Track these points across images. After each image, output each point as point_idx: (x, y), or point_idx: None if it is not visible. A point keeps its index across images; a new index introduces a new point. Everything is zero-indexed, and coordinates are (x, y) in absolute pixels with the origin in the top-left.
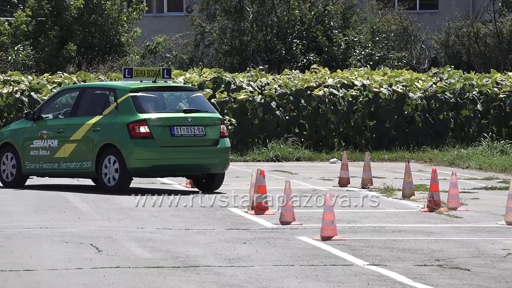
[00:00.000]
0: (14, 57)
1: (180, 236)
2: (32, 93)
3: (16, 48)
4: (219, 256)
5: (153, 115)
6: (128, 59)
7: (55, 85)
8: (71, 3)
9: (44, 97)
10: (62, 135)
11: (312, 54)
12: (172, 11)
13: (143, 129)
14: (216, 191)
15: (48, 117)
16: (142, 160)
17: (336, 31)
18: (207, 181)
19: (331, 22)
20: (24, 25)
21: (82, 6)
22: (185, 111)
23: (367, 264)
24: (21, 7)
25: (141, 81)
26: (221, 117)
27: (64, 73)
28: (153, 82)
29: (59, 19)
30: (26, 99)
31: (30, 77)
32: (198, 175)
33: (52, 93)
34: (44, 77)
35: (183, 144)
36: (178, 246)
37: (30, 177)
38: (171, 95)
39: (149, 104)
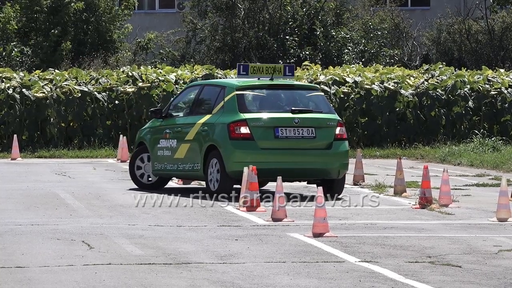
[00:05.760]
0: (8, 53)
1: (172, 233)
2: (23, 90)
3: (11, 45)
4: (211, 253)
5: (255, 115)
6: (119, 55)
7: (47, 82)
8: (71, 3)
9: (35, 94)
10: (179, 135)
11: (307, 49)
12: (163, 8)
13: (244, 130)
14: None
15: (174, 115)
16: (241, 163)
17: (329, 28)
18: (325, 186)
19: (326, 18)
20: (14, 22)
21: (82, 8)
22: (293, 111)
23: (359, 261)
24: (10, 2)
25: (258, 78)
26: (338, 118)
27: (56, 70)
28: (270, 79)
29: (57, 17)
30: (17, 96)
31: (21, 74)
32: (310, 180)
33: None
34: (36, 74)
35: (288, 147)
36: (170, 243)
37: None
38: (283, 94)
39: (255, 103)
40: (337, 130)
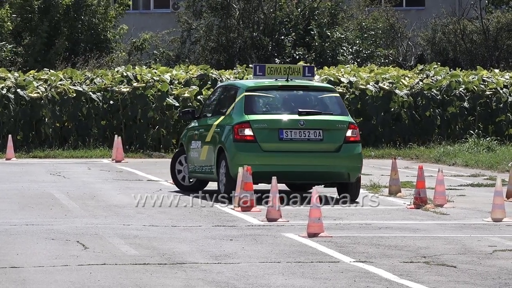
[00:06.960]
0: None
1: (167, 233)
2: (18, 90)
3: (1, 45)
4: (206, 253)
5: (259, 117)
6: (114, 56)
7: (41, 82)
8: (60, 1)
9: (30, 94)
10: (202, 136)
11: (300, 50)
12: (158, 8)
13: (247, 132)
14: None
15: (208, 115)
16: (243, 166)
17: (324, 28)
18: (340, 190)
19: (321, 18)
20: (9, 22)
21: (70, 4)
22: (299, 113)
23: (354, 261)
24: (4, 3)
25: (276, 79)
26: (349, 120)
27: (51, 70)
28: (286, 80)
29: (47, 16)
30: (12, 96)
31: (16, 74)
32: (319, 184)
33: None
34: (31, 74)
35: (292, 149)
36: (165, 243)
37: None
38: (294, 95)
39: (261, 104)
40: (348, 133)
